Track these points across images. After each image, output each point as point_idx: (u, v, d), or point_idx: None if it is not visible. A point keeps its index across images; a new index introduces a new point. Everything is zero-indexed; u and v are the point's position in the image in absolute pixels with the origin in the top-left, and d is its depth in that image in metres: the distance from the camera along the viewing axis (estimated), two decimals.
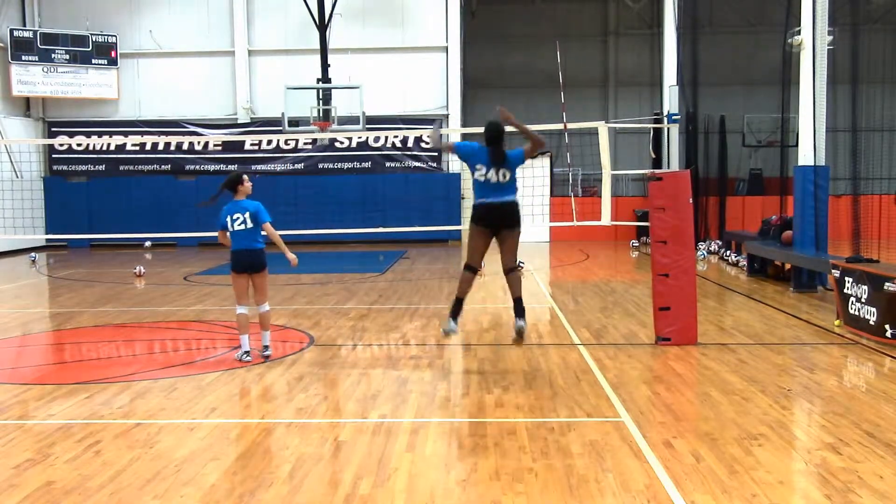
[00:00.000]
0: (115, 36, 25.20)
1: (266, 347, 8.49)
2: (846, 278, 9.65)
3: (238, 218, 8.27)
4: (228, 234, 8.36)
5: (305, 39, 24.54)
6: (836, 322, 9.94)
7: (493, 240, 7.91)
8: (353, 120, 22.13)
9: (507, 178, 7.72)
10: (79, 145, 25.22)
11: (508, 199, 7.73)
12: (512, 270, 7.98)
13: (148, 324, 11.03)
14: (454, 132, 24.21)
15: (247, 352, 8.34)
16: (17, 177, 23.51)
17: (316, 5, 22.68)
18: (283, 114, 21.91)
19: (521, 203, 7.98)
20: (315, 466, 5.27)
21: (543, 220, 23.31)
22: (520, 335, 7.85)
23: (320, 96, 21.85)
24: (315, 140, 24.61)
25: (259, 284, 8.43)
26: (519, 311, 7.84)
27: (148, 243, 23.90)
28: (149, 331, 10.57)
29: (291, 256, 8.61)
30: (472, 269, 7.95)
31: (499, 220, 7.77)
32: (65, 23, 25.22)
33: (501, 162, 7.67)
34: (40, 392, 7.29)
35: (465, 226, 24.55)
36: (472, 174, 7.78)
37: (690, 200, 8.81)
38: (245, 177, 8.48)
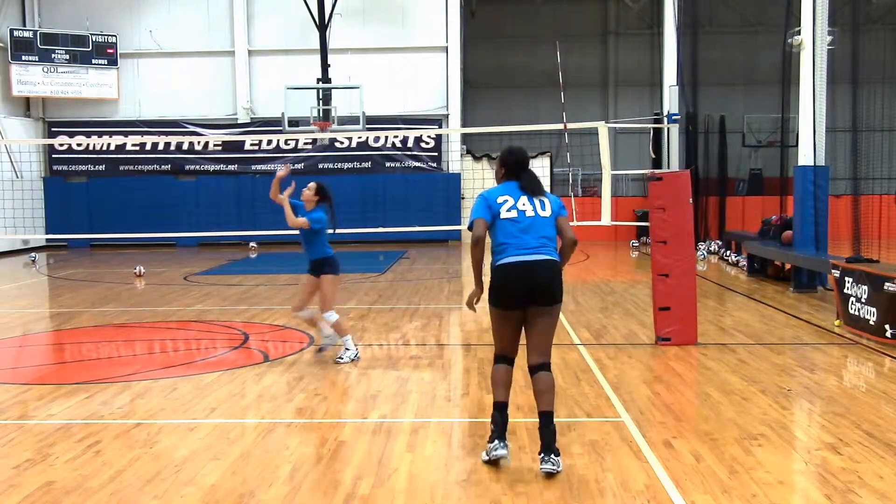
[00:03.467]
0: (115, 36, 25.19)
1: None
2: (846, 278, 9.65)
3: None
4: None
5: (305, 39, 24.53)
6: (836, 322, 9.94)
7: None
8: (353, 120, 22.13)
9: (549, 211, 5.28)
10: (79, 145, 25.21)
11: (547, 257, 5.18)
12: (541, 367, 5.21)
13: (148, 324, 11.03)
14: (453, 132, 24.24)
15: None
16: (17, 177, 23.51)
17: (316, 5, 22.68)
18: (283, 114, 21.91)
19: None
20: (315, 466, 5.27)
21: None
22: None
23: (320, 96, 21.85)
24: (315, 140, 24.61)
25: None
26: (548, 437, 5.04)
27: (253, 244, 23.58)
28: (149, 331, 10.56)
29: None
30: (508, 359, 5.36)
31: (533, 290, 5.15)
32: (65, 23, 25.21)
33: (538, 190, 5.32)
34: (40, 392, 7.28)
35: (464, 226, 24.62)
36: (497, 218, 5.22)
37: (690, 200, 8.81)
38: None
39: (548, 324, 5.22)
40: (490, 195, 5.30)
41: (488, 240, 5.26)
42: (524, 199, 5.23)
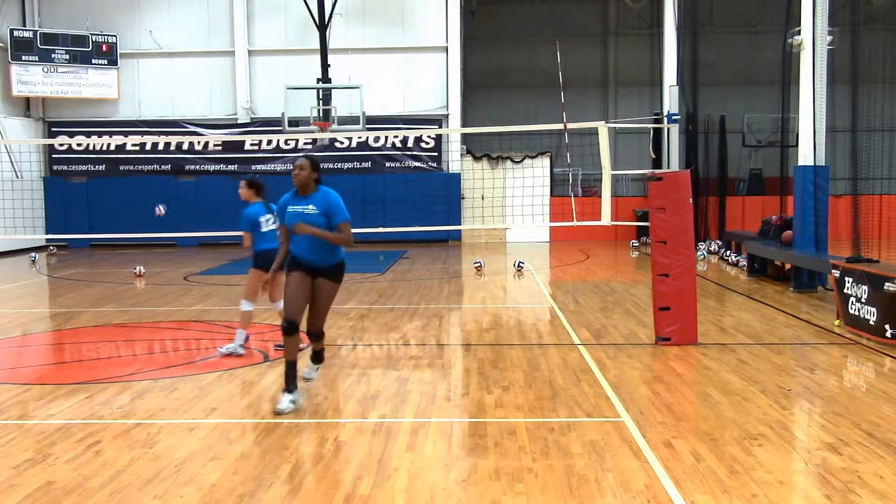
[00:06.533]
0: (115, 36, 25.19)
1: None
2: (846, 278, 9.65)
3: (270, 218, 8.77)
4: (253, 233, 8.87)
5: (305, 39, 24.54)
6: (836, 322, 9.94)
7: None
8: (353, 120, 22.13)
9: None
10: (79, 145, 25.21)
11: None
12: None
13: (148, 324, 11.03)
14: (453, 132, 24.24)
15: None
16: (17, 177, 23.50)
17: (316, 5, 22.68)
18: (283, 114, 21.91)
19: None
20: (315, 466, 5.27)
21: (543, 220, 23.31)
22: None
23: (320, 96, 21.85)
24: (315, 140, 24.62)
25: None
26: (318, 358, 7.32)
27: None
28: (149, 331, 10.56)
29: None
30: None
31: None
32: (65, 23, 25.21)
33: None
34: (40, 392, 7.28)
35: (464, 225, 24.66)
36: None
37: (690, 200, 8.81)
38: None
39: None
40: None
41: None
42: None
